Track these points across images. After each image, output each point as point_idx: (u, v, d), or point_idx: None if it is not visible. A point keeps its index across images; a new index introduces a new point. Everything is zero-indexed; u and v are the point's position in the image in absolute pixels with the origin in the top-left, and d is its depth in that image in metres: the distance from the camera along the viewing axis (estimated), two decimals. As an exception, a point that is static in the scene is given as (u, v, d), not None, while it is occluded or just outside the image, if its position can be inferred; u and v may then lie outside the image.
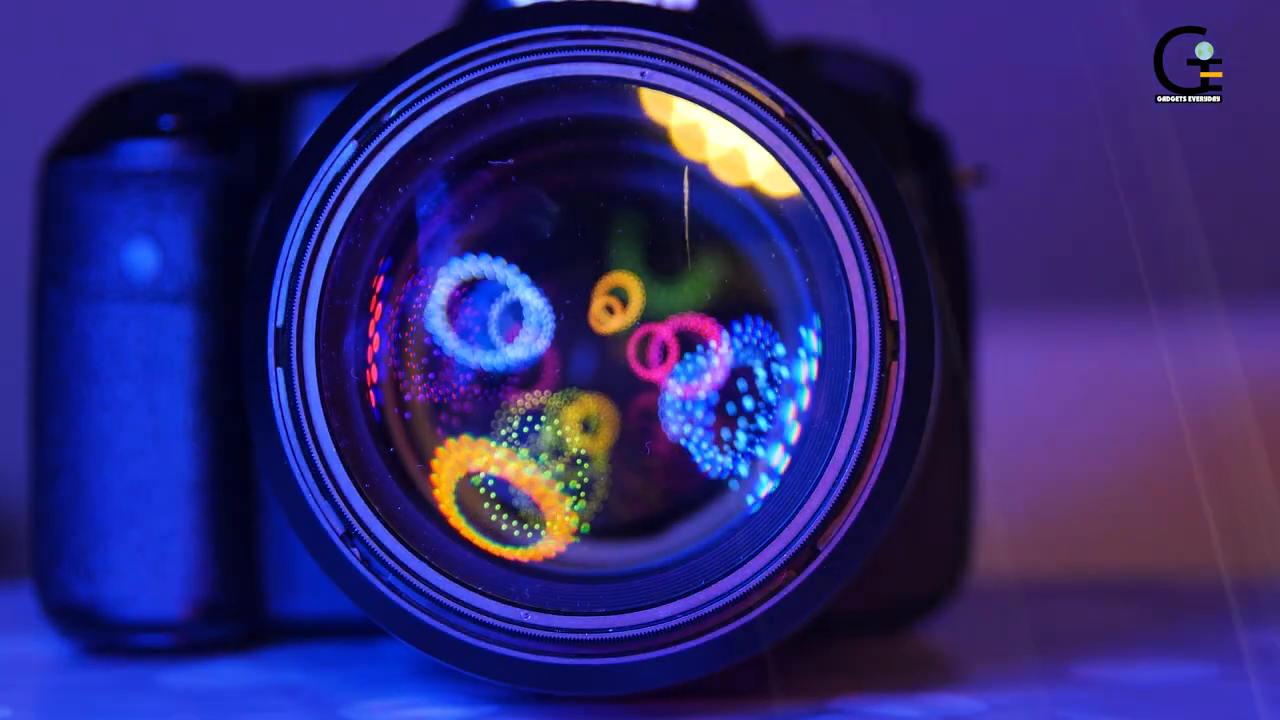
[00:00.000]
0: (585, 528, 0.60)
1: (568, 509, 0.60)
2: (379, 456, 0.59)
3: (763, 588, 0.57)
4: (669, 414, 0.60)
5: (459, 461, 0.60)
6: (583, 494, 0.60)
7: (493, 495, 0.60)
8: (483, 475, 0.60)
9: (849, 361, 0.57)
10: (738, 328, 0.59)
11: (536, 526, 0.59)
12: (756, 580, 0.57)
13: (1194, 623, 0.78)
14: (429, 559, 0.57)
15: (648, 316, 0.60)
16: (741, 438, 0.60)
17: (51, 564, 0.67)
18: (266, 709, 0.61)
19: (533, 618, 0.57)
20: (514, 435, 0.60)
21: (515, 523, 0.59)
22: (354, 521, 0.57)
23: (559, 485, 0.60)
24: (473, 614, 0.57)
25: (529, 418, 0.60)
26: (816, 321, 0.58)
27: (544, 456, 0.60)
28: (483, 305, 0.60)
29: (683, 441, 0.60)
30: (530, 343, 0.60)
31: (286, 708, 0.61)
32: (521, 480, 0.60)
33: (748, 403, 0.60)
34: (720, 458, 0.59)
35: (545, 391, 0.60)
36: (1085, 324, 1.23)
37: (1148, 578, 0.89)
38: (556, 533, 0.59)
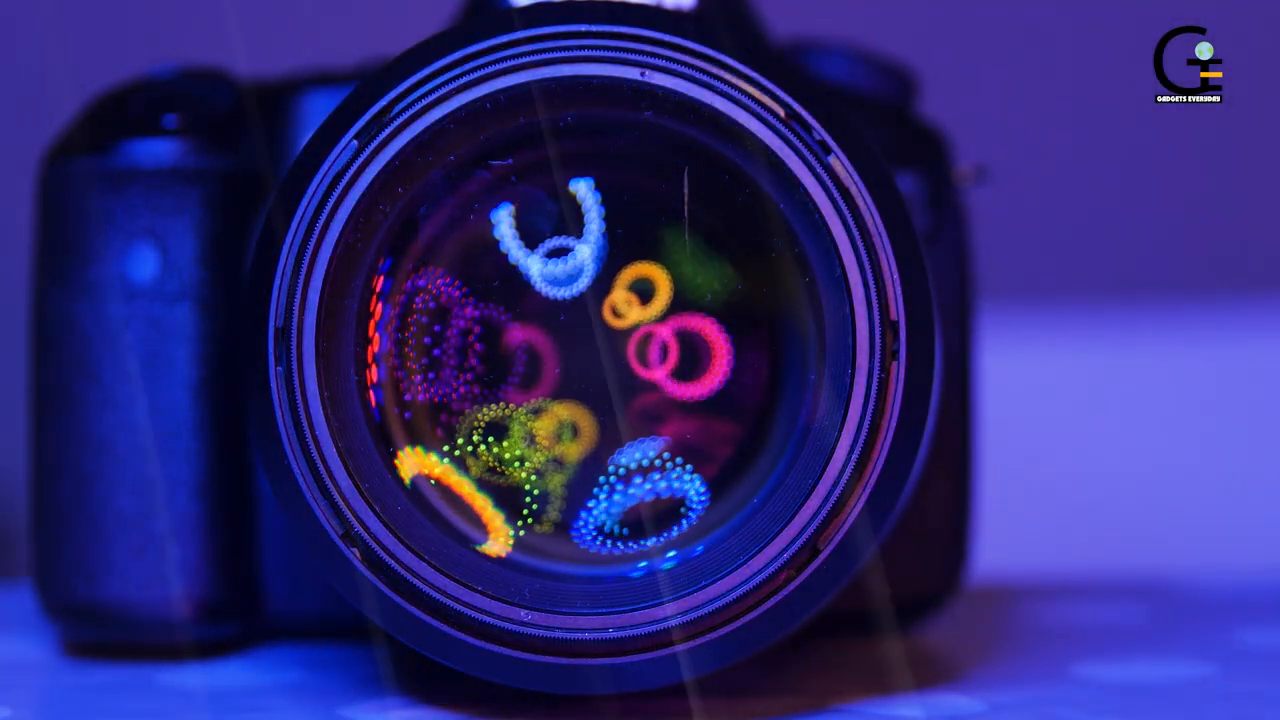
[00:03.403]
0: (521, 535, 0.60)
1: (502, 525, 0.60)
2: (379, 456, 0.59)
3: (763, 588, 0.57)
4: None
5: (414, 465, 0.60)
6: (527, 512, 0.60)
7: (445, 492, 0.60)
8: (433, 481, 0.60)
9: (849, 361, 0.57)
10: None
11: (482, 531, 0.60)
12: (756, 580, 0.57)
13: (1194, 623, 0.78)
14: (429, 559, 0.57)
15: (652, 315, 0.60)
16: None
17: (52, 564, 0.67)
18: (266, 709, 0.61)
19: (533, 618, 0.57)
20: (456, 452, 0.60)
21: (466, 522, 0.60)
22: (354, 521, 0.57)
23: (492, 503, 0.60)
24: (473, 614, 0.57)
25: (479, 432, 0.60)
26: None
27: (481, 474, 0.60)
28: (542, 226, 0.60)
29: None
30: (577, 278, 0.60)
31: (286, 708, 0.61)
32: (463, 492, 0.60)
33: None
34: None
35: (509, 405, 0.60)
36: (1084, 323, 1.23)
37: (1148, 578, 0.89)
38: (496, 543, 0.60)
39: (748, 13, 0.71)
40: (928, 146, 0.71)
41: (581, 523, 0.60)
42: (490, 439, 0.60)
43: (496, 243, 0.60)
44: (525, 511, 0.60)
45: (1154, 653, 0.70)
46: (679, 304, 0.60)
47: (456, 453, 0.60)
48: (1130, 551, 1.15)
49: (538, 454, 0.60)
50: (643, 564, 0.59)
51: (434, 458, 0.60)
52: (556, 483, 0.60)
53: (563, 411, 0.60)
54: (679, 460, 0.60)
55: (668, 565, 0.58)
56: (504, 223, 0.60)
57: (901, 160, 0.69)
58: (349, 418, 0.59)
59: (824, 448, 0.57)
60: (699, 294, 0.60)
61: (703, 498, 0.60)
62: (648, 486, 0.60)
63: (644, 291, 0.60)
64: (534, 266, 0.60)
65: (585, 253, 0.60)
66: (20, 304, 0.70)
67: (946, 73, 0.84)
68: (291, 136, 0.69)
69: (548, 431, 0.60)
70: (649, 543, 0.60)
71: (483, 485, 0.60)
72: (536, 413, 0.60)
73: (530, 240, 0.60)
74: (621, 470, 0.60)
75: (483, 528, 0.60)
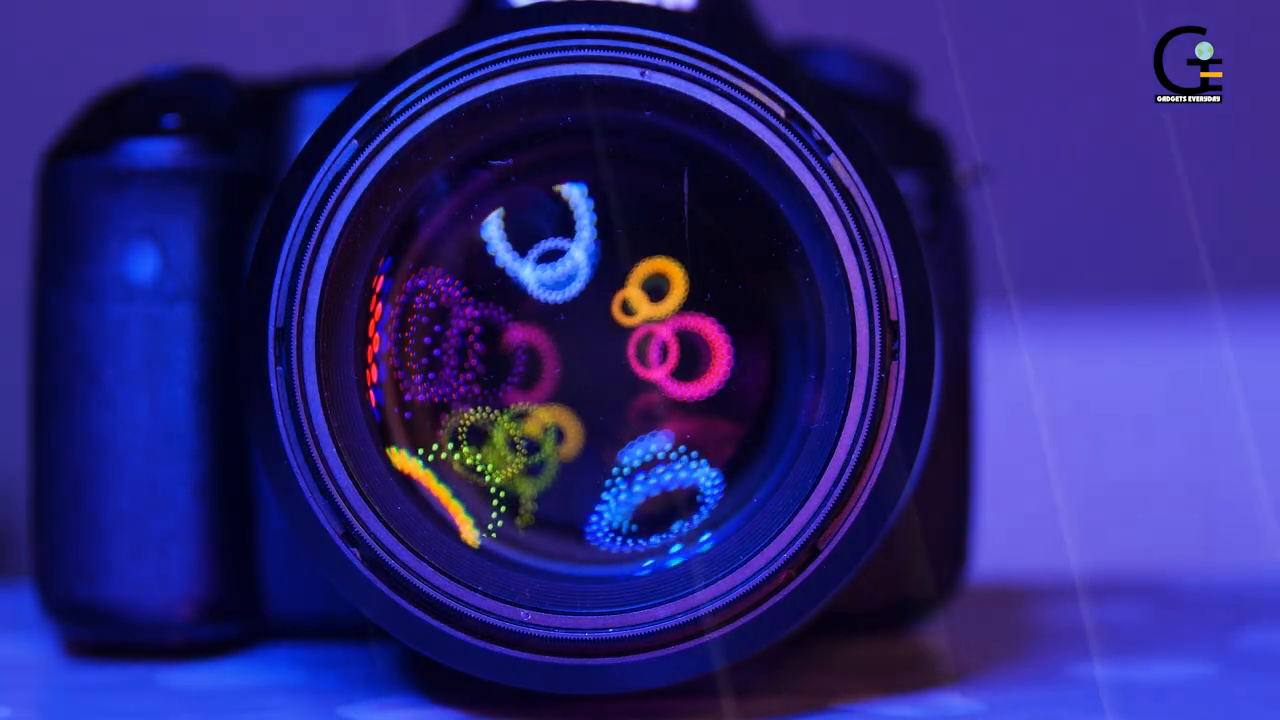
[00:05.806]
0: (492, 535, 0.60)
1: (471, 529, 0.60)
2: (379, 456, 0.59)
3: (763, 588, 0.57)
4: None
5: (400, 465, 0.60)
6: (496, 515, 0.60)
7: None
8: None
9: (849, 361, 0.57)
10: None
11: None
12: (756, 580, 0.57)
13: (1194, 623, 0.78)
14: (429, 559, 0.57)
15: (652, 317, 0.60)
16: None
17: (51, 564, 0.67)
18: (266, 709, 0.61)
19: (533, 618, 0.57)
20: (431, 456, 0.60)
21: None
22: (354, 521, 0.57)
23: (464, 509, 0.60)
24: (473, 614, 0.57)
25: (461, 436, 0.60)
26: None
27: (459, 479, 0.60)
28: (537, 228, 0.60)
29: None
30: (570, 283, 0.60)
31: (286, 708, 0.61)
32: (439, 496, 0.60)
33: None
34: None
35: (488, 409, 0.60)
36: (1085, 323, 1.23)
37: (1148, 578, 0.89)
38: (466, 536, 0.59)
39: (748, 13, 0.71)
40: (928, 146, 0.71)
41: (594, 525, 0.60)
42: (467, 446, 0.60)
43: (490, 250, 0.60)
44: (494, 515, 0.60)
45: (1154, 653, 0.70)
46: (689, 301, 0.60)
47: (436, 457, 0.60)
48: (1130, 551, 1.15)
49: (518, 459, 0.60)
50: (649, 562, 0.59)
51: (415, 462, 0.60)
52: (528, 487, 0.60)
53: (547, 415, 0.60)
54: (687, 451, 0.60)
55: (674, 562, 0.58)
56: (494, 231, 0.60)
57: (901, 160, 0.69)
58: (349, 418, 0.59)
59: (824, 448, 0.57)
60: (701, 293, 0.60)
61: (716, 485, 0.60)
62: (653, 481, 0.60)
63: (655, 289, 0.60)
64: (526, 273, 0.60)
65: (580, 255, 0.60)
66: (20, 304, 0.70)
67: (946, 73, 0.84)
68: (291, 136, 0.69)
69: (532, 436, 0.60)
70: (665, 536, 0.60)
71: (457, 492, 0.60)
72: (520, 417, 0.60)
73: (525, 242, 0.60)
74: (628, 469, 0.60)
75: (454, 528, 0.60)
